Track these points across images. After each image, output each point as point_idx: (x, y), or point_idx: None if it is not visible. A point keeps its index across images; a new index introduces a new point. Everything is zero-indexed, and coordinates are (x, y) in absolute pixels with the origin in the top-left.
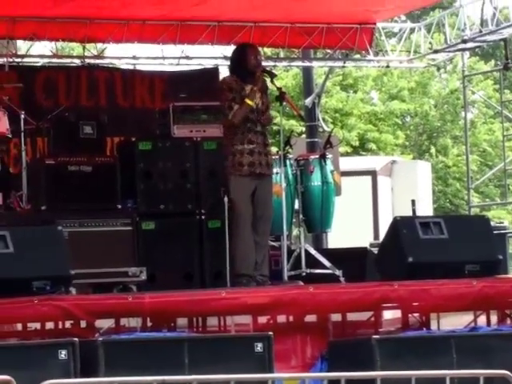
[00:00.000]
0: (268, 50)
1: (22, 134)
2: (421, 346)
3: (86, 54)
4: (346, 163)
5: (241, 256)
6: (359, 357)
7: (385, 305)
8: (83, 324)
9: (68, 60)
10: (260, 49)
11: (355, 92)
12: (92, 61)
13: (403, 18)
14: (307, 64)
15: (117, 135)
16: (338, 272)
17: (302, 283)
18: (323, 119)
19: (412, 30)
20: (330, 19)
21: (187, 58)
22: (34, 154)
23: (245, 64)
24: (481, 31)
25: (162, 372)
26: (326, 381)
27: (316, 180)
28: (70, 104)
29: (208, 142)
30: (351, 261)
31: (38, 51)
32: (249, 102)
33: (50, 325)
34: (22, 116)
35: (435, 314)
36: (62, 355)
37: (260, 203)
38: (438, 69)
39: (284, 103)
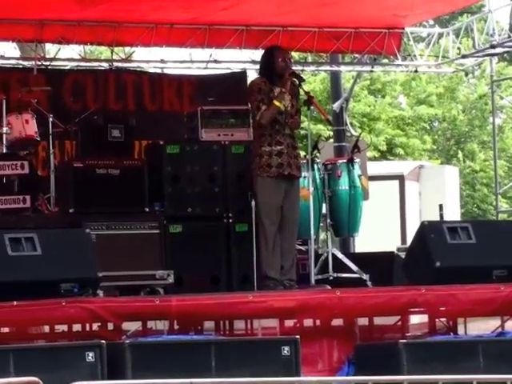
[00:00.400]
0: (296, 55)
1: (51, 136)
2: (447, 351)
3: (114, 57)
4: (374, 168)
5: (267, 259)
6: (386, 361)
7: (412, 309)
8: (110, 326)
9: (96, 63)
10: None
11: (383, 97)
12: (120, 64)
13: (431, 22)
14: (335, 68)
15: (145, 138)
16: (365, 276)
17: (329, 287)
18: (351, 124)
19: (440, 35)
20: (358, 24)
21: (215, 61)
22: (62, 157)
23: (273, 66)
24: (509, 36)
25: (188, 375)
26: None
27: (343, 184)
28: (98, 107)
29: (236, 146)
30: (378, 265)
31: (66, 55)
32: (277, 103)
33: (77, 327)
34: (51, 119)
35: (462, 319)
36: (90, 357)
37: (288, 206)
38: (466, 74)
39: (312, 107)
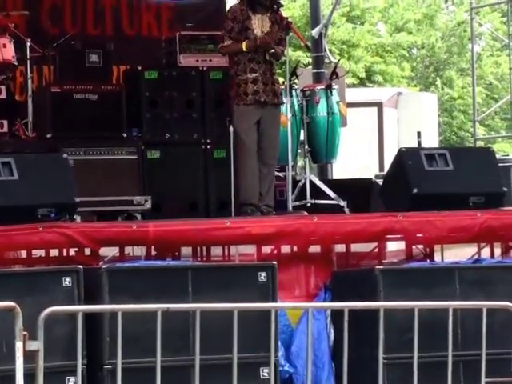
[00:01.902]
0: None
1: (28, 61)
2: (424, 277)
3: None
4: (352, 94)
5: (245, 186)
6: (362, 287)
7: (389, 236)
8: (87, 252)
9: None
10: None
11: (362, 24)
12: None
13: None
14: None
15: (123, 64)
16: (343, 203)
17: (306, 213)
18: (330, 50)
19: None
20: None
21: None
22: (39, 82)
23: None
24: None
25: (165, 300)
26: (329, 311)
27: (322, 111)
28: (77, 32)
29: (214, 72)
30: (356, 192)
31: None
32: (244, 46)
33: (54, 252)
34: (28, 43)
35: (439, 246)
36: (66, 282)
37: (265, 133)
38: (446, 1)
39: (290, 33)
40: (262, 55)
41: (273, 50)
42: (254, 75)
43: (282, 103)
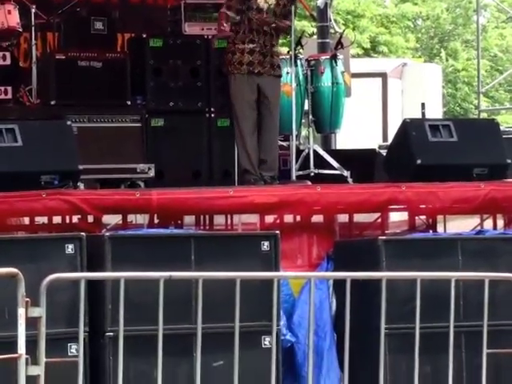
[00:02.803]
0: None
1: (33, 28)
2: (427, 248)
3: None
4: (357, 65)
5: (243, 155)
6: (365, 257)
7: (392, 206)
8: (90, 219)
9: None
10: None
11: None
12: None
13: None
14: None
15: (128, 32)
16: (346, 173)
17: (309, 183)
18: (335, 20)
19: None
20: None
21: None
22: (44, 49)
23: None
24: None
25: (168, 268)
26: (331, 280)
27: (326, 80)
28: None
29: (219, 40)
30: (359, 162)
31: None
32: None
33: (57, 219)
34: (33, 10)
35: (442, 217)
36: (69, 249)
37: (265, 103)
38: None
39: (296, 3)
40: (266, 26)
41: (274, 25)
42: (251, 46)
43: (280, 76)
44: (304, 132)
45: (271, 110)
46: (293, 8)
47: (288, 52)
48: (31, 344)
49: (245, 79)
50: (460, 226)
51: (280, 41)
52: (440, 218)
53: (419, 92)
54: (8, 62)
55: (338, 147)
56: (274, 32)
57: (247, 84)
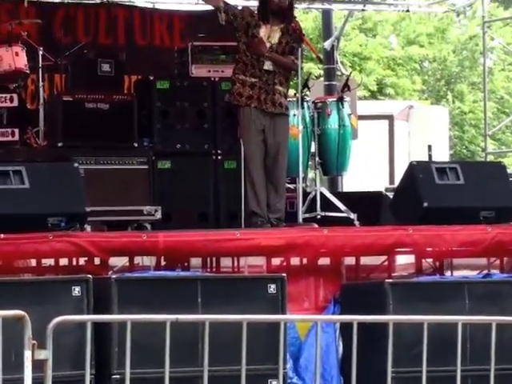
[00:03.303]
0: None
1: (40, 70)
2: (433, 292)
3: None
4: (364, 107)
5: (252, 196)
6: (372, 300)
7: (399, 249)
8: (97, 261)
9: None
10: None
11: (374, 36)
12: None
13: None
14: (327, 6)
15: (135, 73)
16: (353, 215)
17: (316, 226)
18: (342, 63)
19: None
20: None
21: None
22: (51, 91)
23: (266, 2)
24: None
25: (174, 311)
26: (338, 324)
27: (333, 123)
28: (89, 41)
29: (226, 83)
30: (366, 204)
31: None
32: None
33: (64, 261)
34: (41, 52)
35: (449, 260)
36: (76, 292)
37: (269, 142)
38: (458, 14)
39: (302, 45)
40: (270, 64)
41: (268, 55)
42: (253, 80)
43: (286, 114)
44: (311, 174)
45: (279, 150)
46: (299, 49)
47: (295, 94)
48: None
49: (253, 115)
50: (467, 268)
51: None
52: (447, 260)
53: (426, 134)
54: (15, 103)
55: (345, 189)
56: (277, 69)
57: (253, 121)
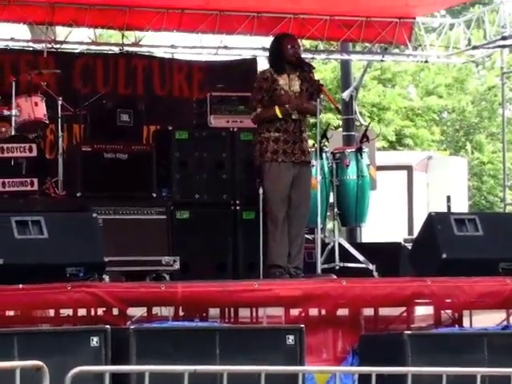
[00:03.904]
0: (307, 43)
1: (59, 120)
2: (452, 343)
3: (124, 41)
4: (383, 158)
5: (273, 248)
6: (390, 352)
7: (417, 300)
8: (115, 311)
9: (106, 47)
10: (299, 41)
11: (393, 87)
12: (130, 48)
13: (443, 12)
14: (345, 57)
15: (153, 124)
16: (372, 266)
17: (335, 277)
18: (360, 113)
19: (452, 26)
20: (370, 12)
21: (226, 48)
22: (70, 141)
23: (282, 54)
24: None
25: (193, 362)
26: (356, 375)
27: (351, 173)
28: (108, 91)
29: (244, 133)
30: (385, 255)
31: (76, 38)
32: (278, 111)
33: (82, 311)
34: (60, 102)
35: (468, 311)
36: (94, 342)
37: (295, 193)
38: (477, 65)
39: (321, 96)
40: (295, 113)
41: (304, 106)
42: (276, 134)
43: (310, 163)
44: (329, 225)
45: (301, 201)
46: (318, 99)
47: (313, 145)
48: None
49: (279, 169)
50: (486, 319)
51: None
52: (466, 311)
53: (445, 185)
54: (34, 153)
55: (364, 240)
56: (302, 116)
57: (282, 174)
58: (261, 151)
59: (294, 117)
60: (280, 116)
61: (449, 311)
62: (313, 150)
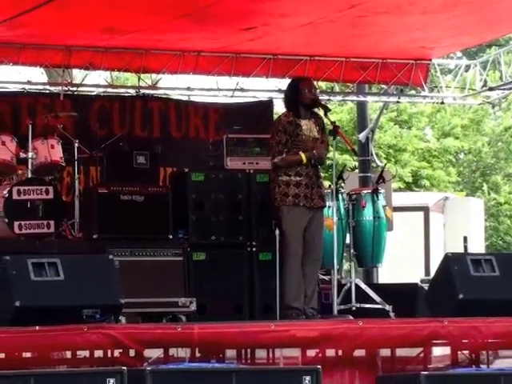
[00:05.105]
0: (323, 84)
1: (76, 162)
2: None
3: (140, 84)
4: (399, 199)
5: (290, 289)
6: None
7: (434, 341)
8: (132, 353)
9: (123, 90)
10: (315, 82)
11: (409, 128)
12: (146, 91)
13: (459, 54)
14: (362, 99)
15: (170, 166)
16: (388, 307)
17: (351, 317)
18: (376, 154)
19: (467, 67)
20: (386, 54)
21: (242, 90)
22: (86, 183)
23: (299, 98)
24: None
25: None
26: None
27: (368, 215)
28: (124, 134)
29: (260, 175)
30: (402, 296)
31: (93, 80)
32: (303, 157)
33: (98, 353)
34: (76, 145)
35: (485, 352)
36: None
37: (310, 235)
38: (493, 106)
39: (337, 137)
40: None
41: (326, 154)
42: (298, 178)
43: (329, 207)
44: (346, 266)
45: (316, 243)
46: (334, 141)
47: (330, 186)
48: None
49: (300, 212)
50: (504, 360)
51: (322, 174)
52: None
53: (461, 226)
54: (51, 195)
55: (380, 281)
56: (318, 163)
57: (301, 217)
58: (280, 194)
59: (313, 162)
60: (305, 161)
61: (466, 352)
62: (329, 191)
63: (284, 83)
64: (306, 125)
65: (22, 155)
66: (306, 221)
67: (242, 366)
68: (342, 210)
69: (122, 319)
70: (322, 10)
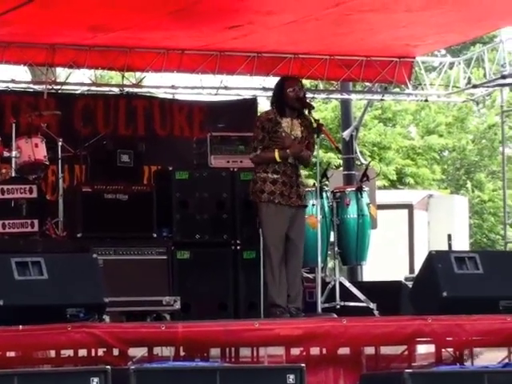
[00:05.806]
0: (307, 82)
1: (60, 161)
2: (454, 381)
3: (124, 82)
4: (383, 196)
5: (273, 287)
6: None
7: (418, 339)
8: (116, 352)
9: (107, 88)
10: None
11: (394, 126)
12: (131, 89)
13: (443, 52)
14: (346, 96)
15: (154, 164)
16: (373, 305)
17: (335, 316)
18: (361, 152)
19: (451, 65)
20: (370, 52)
21: (226, 88)
22: (71, 182)
23: (283, 97)
24: None
25: None
26: None
27: (352, 213)
28: (108, 132)
29: (244, 173)
30: (386, 294)
31: (76, 79)
32: (277, 155)
33: (82, 352)
34: (60, 143)
35: (469, 349)
36: (95, 383)
37: (292, 235)
38: (477, 104)
39: (321, 135)
40: (291, 158)
41: (302, 153)
42: (275, 176)
43: (306, 206)
44: (330, 264)
45: (297, 242)
46: (317, 139)
47: (314, 184)
48: None
49: (276, 210)
50: (487, 357)
51: (306, 172)
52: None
53: (445, 223)
54: (35, 194)
55: (365, 279)
56: (298, 162)
57: (278, 215)
58: (257, 191)
59: (290, 161)
60: (278, 160)
61: (450, 349)
62: (313, 189)
63: (268, 81)
64: (288, 123)
65: (6, 154)
66: (286, 219)
67: (226, 364)
68: (326, 208)
69: (106, 318)
70: (308, 8)
